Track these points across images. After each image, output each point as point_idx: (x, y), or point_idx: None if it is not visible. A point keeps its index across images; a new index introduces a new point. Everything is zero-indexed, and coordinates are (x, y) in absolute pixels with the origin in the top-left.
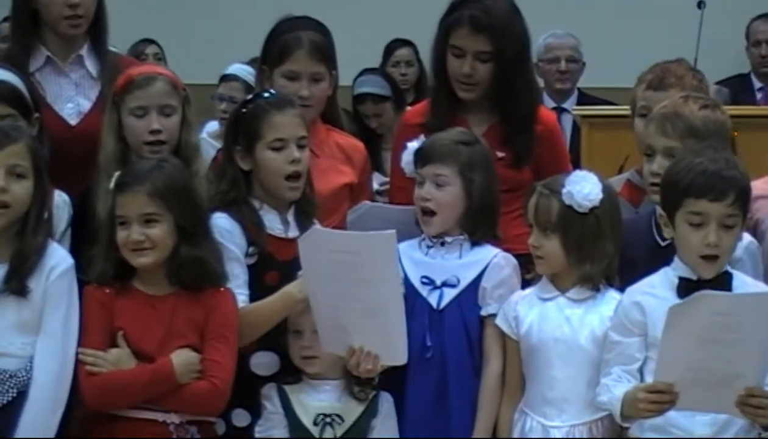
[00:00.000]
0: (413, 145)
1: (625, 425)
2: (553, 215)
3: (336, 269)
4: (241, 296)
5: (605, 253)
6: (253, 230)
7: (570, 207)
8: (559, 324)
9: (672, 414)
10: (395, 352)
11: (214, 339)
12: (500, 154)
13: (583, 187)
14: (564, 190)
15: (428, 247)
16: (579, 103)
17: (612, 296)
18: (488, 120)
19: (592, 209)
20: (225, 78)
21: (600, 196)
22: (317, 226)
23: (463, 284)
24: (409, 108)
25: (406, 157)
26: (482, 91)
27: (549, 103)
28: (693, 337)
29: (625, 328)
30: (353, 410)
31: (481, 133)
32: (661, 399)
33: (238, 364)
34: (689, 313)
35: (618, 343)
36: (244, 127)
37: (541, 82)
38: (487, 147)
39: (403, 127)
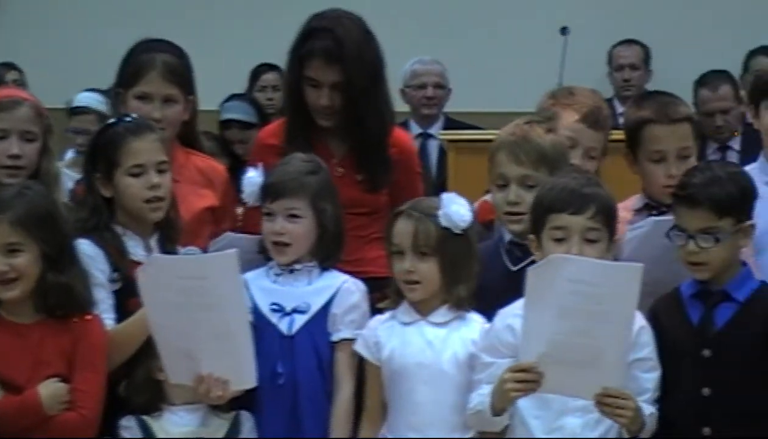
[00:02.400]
0: (254, 176)
1: (496, 418)
2: (432, 238)
3: (180, 296)
4: (108, 320)
5: (474, 273)
6: (116, 255)
7: (446, 229)
8: (421, 349)
9: None
10: (244, 375)
11: (82, 368)
12: (359, 177)
13: (458, 209)
14: (440, 213)
15: (276, 275)
16: (445, 128)
17: (473, 319)
18: (346, 144)
19: (465, 230)
20: (75, 111)
21: (470, 217)
22: (155, 254)
23: (314, 309)
24: (264, 128)
25: (250, 188)
26: (340, 118)
27: (415, 128)
28: (554, 307)
29: (497, 350)
30: (216, 433)
31: (341, 157)
32: (526, 378)
33: (110, 391)
34: (546, 276)
35: (489, 364)
36: (102, 155)
37: (407, 108)
38: (328, 170)
39: (259, 148)
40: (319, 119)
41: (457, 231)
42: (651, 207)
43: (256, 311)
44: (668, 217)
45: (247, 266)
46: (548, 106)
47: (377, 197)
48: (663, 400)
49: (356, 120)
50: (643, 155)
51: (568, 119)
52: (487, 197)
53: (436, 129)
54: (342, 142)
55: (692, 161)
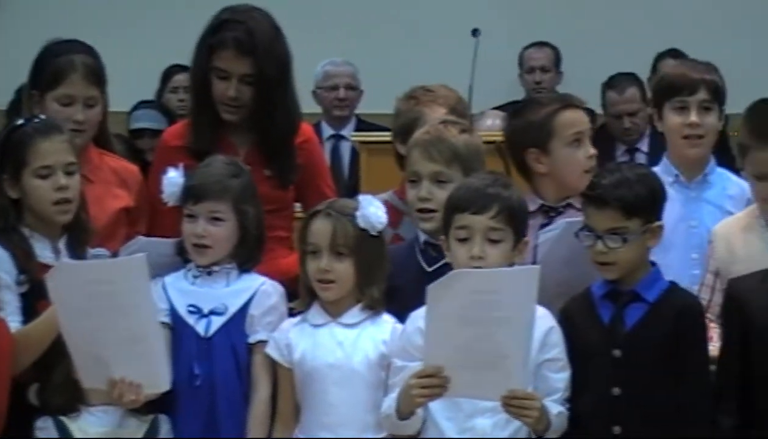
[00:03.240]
0: (175, 177)
1: (407, 422)
2: (350, 238)
3: (90, 301)
4: (14, 323)
5: (385, 274)
6: (23, 258)
7: (363, 230)
8: (332, 350)
9: None
10: (157, 379)
11: None
12: (267, 173)
13: (375, 211)
14: (358, 214)
15: (195, 277)
16: (357, 130)
17: (384, 320)
18: (251, 140)
19: (379, 231)
20: None
21: (385, 219)
22: (64, 259)
23: (231, 311)
24: (168, 129)
25: (170, 188)
26: (246, 113)
27: (327, 130)
28: (455, 317)
29: (408, 353)
30: (135, 434)
31: (246, 153)
32: (431, 383)
33: (16, 396)
34: (447, 292)
35: (402, 368)
36: (10, 155)
37: (319, 109)
38: (251, 173)
39: (163, 150)
40: (224, 113)
41: (374, 232)
42: (546, 210)
43: (173, 312)
44: (579, 219)
45: (160, 269)
46: (411, 107)
47: (285, 194)
48: (574, 399)
49: (265, 114)
50: (559, 143)
51: (437, 114)
52: (385, 195)
53: (348, 130)
54: (247, 137)
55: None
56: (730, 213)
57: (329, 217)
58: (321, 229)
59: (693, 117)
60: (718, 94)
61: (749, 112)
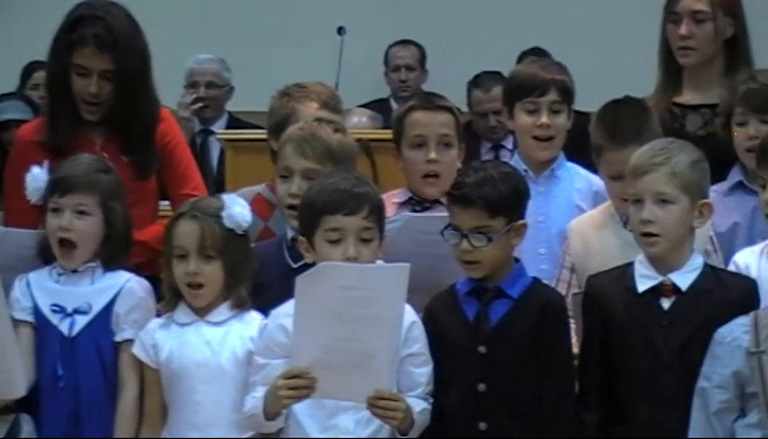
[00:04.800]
0: (40, 171)
1: (271, 422)
2: (218, 240)
3: None
4: None
5: (250, 273)
6: None
7: (230, 230)
8: (199, 348)
9: None
10: (12, 384)
11: None
12: (125, 160)
13: (241, 210)
14: (224, 214)
15: (59, 274)
16: (229, 127)
17: (252, 317)
18: (109, 132)
19: (245, 230)
20: None
21: (250, 218)
22: None
23: (96, 310)
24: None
25: (35, 183)
26: (105, 109)
27: (197, 125)
28: (323, 314)
29: (271, 350)
30: None
31: (102, 142)
32: (299, 384)
33: None
34: (316, 285)
35: (264, 365)
36: None
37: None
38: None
39: (20, 146)
40: (85, 113)
41: (240, 232)
42: (415, 202)
43: (37, 311)
44: (422, 215)
45: (21, 262)
46: (284, 104)
47: (147, 184)
48: (440, 396)
49: (125, 109)
50: (405, 143)
51: (310, 109)
52: (258, 188)
53: (219, 126)
54: (105, 131)
55: (453, 153)
56: (578, 207)
57: (195, 219)
58: (188, 231)
59: (544, 118)
60: (567, 95)
61: (601, 114)
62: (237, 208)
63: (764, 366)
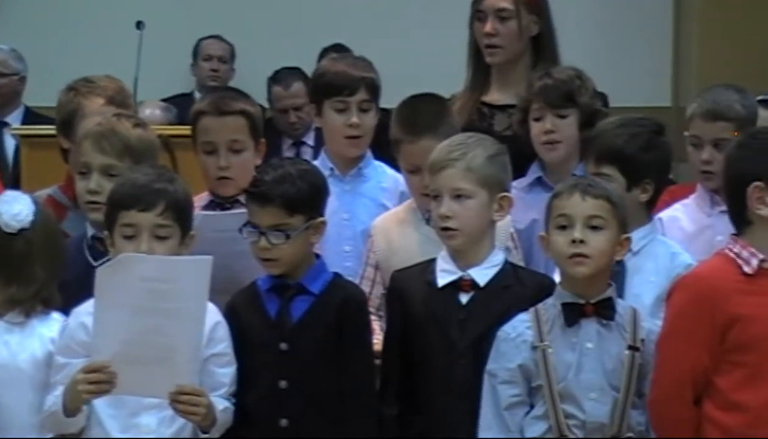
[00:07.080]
0: None
1: (71, 420)
2: None
3: None
4: None
5: (34, 277)
6: None
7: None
8: None
9: None
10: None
11: None
12: None
13: (13, 208)
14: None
15: None
16: (26, 122)
17: (54, 319)
18: None
19: (22, 231)
20: None
21: (31, 218)
22: None
23: None
24: None
25: None
26: None
27: None
28: (124, 307)
29: (72, 349)
30: None
31: None
32: (99, 379)
33: None
34: (116, 277)
35: (65, 365)
36: None
37: None
38: None
39: None
40: None
41: (9, 231)
42: (215, 204)
43: None
44: (216, 213)
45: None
46: (70, 99)
47: None
48: (242, 394)
49: None
50: (199, 148)
51: (95, 105)
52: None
53: (14, 119)
54: None
55: (246, 156)
56: (384, 206)
57: None
58: None
59: (354, 118)
60: (375, 93)
61: (399, 108)
62: (7, 207)
63: (548, 359)
